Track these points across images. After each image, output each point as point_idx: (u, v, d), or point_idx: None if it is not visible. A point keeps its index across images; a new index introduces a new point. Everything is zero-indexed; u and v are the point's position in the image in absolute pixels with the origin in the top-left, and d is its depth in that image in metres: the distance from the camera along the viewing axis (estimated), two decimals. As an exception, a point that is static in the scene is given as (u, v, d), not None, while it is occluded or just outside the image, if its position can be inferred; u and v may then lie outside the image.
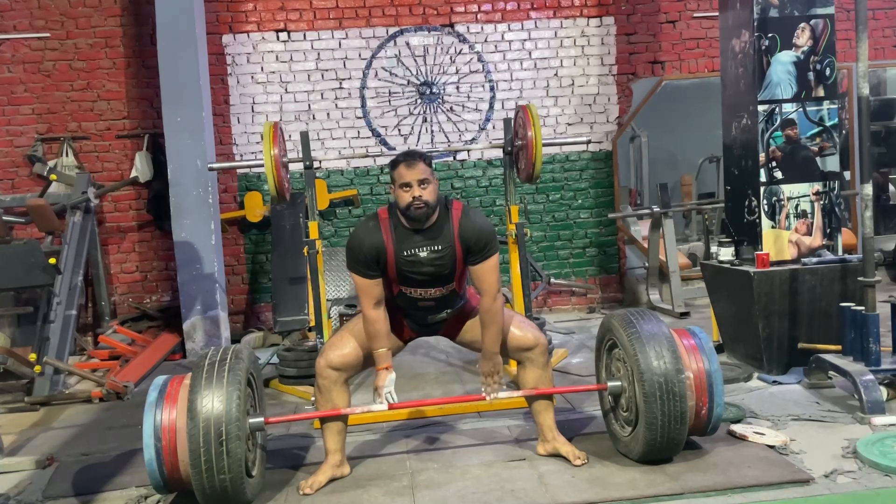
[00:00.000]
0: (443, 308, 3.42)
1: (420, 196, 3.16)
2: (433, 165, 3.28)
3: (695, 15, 7.16)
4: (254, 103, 6.91)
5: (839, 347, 4.18)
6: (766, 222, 4.66)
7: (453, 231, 3.26)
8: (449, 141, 7.02)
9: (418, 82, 6.99)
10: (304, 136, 4.58)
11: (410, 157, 3.23)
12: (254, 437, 3.30)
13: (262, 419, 3.25)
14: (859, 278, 4.10)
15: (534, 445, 3.58)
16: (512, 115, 4.73)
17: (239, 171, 6.90)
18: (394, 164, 3.25)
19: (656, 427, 3.19)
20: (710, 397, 3.30)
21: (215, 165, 5.25)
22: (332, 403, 3.37)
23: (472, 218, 3.30)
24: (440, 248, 3.25)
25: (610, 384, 3.43)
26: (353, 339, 3.39)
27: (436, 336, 3.45)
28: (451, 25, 7.01)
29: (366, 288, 3.27)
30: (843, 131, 7.30)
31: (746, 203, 4.77)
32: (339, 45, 6.94)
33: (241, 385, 3.09)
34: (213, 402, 3.01)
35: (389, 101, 7.00)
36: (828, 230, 4.71)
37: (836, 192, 4.72)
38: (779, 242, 4.67)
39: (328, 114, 6.97)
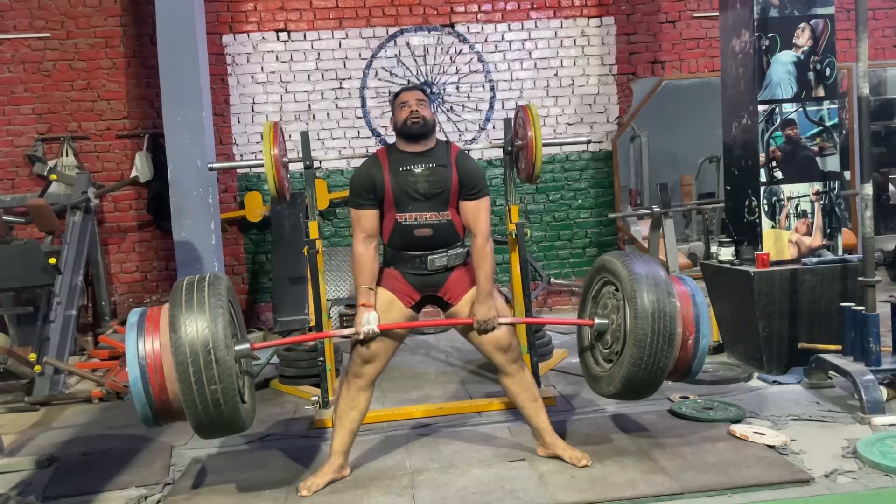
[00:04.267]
0: (441, 245, 3.38)
1: (417, 111, 3.31)
2: (431, 100, 3.51)
3: (695, 15, 7.17)
4: (254, 103, 6.91)
5: (839, 347, 4.18)
6: (766, 222, 4.67)
7: (450, 157, 3.39)
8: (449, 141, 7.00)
9: (418, 82, 6.99)
10: (304, 136, 4.58)
11: (410, 86, 3.50)
12: (240, 364, 3.17)
13: (247, 345, 3.15)
14: (859, 278, 4.10)
15: (534, 445, 3.58)
16: (512, 115, 4.72)
17: (239, 171, 6.90)
18: (395, 94, 3.45)
19: (645, 345, 3.16)
20: (697, 327, 3.32)
21: (215, 165, 5.24)
22: (355, 403, 3.36)
23: (468, 157, 3.48)
24: (434, 164, 3.35)
25: (597, 321, 3.43)
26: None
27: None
28: (451, 25, 7.01)
29: (359, 218, 3.35)
30: (843, 131, 7.30)
31: (746, 203, 4.77)
32: (339, 45, 6.94)
33: (223, 300, 3.01)
34: (196, 316, 2.91)
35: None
36: (828, 230, 4.72)
37: (836, 192, 4.73)
38: (779, 242, 4.67)
39: (328, 114, 6.97)
